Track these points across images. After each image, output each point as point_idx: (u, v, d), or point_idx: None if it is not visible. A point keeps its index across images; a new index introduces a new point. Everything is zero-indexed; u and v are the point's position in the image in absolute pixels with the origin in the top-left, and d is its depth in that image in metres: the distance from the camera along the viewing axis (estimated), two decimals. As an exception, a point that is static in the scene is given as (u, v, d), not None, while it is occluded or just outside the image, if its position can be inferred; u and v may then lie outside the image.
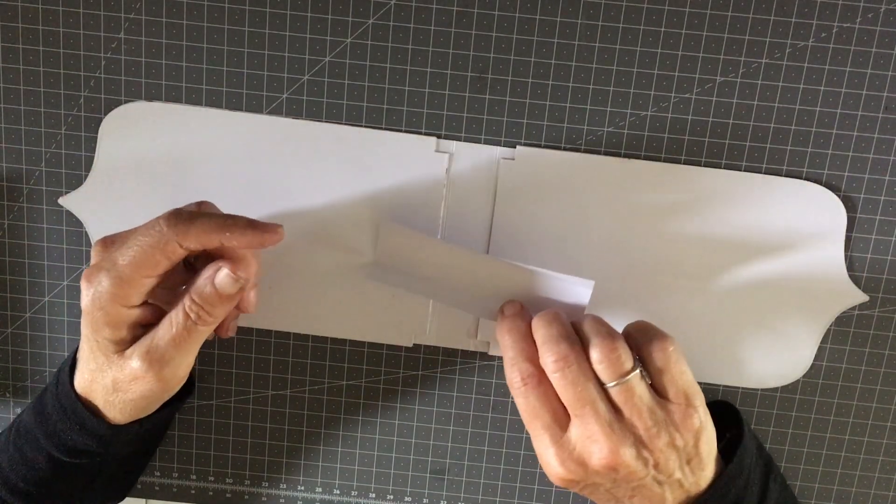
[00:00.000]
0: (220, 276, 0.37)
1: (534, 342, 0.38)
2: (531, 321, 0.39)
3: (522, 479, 0.48)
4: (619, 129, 0.43)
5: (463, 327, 0.45)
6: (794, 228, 0.43)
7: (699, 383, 0.38)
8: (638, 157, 0.43)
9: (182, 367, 0.38)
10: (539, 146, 0.43)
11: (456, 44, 0.42)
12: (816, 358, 0.45)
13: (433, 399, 0.47)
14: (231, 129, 0.43)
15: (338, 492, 0.49)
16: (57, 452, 0.40)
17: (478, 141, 0.43)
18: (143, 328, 0.38)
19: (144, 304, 0.37)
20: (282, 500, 0.49)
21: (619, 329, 0.39)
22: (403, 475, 0.48)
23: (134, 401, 0.38)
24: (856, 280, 0.44)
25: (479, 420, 0.47)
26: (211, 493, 0.49)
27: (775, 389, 0.46)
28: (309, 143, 0.43)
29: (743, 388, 0.46)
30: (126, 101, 0.43)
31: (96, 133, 0.44)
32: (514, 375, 0.38)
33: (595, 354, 0.37)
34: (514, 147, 0.43)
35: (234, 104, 0.43)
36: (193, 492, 0.49)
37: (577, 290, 0.40)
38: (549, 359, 0.37)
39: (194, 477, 0.49)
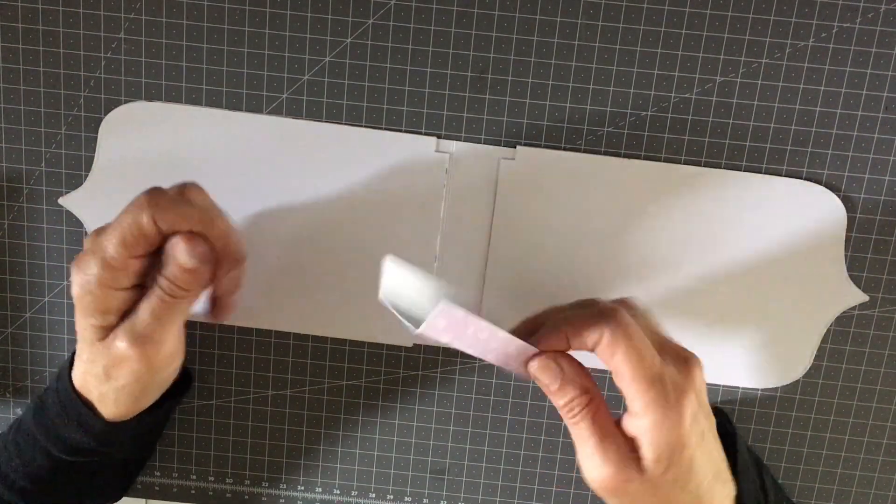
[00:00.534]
0: (178, 249, 0.36)
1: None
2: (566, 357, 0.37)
3: (522, 479, 0.48)
4: (619, 129, 0.43)
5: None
6: (794, 228, 0.43)
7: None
8: (638, 157, 0.43)
9: (166, 344, 0.37)
10: (539, 146, 0.43)
11: (456, 44, 0.42)
12: (816, 358, 0.45)
13: (433, 399, 0.47)
14: (231, 129, 0.43)
15: (338, 492, 0.49)
16: (56, 451, 0.40)
17: (478, 141, 0.43)
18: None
19: (135, 287, 0.37)
20: (282, 500, 0.49)
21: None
22: (403, 475, 0.48)
23: (125, 387, 0.38)
24: (856, 280, 0.44)
25: (479, 420, 0.47)
26: (211, 493, 0.49)
27: (775, 389, 0.46)
28: (309, 143, 0.43)
29: (743, 388, 0.46)
30: (126, 101, 0.43)
31: (96, 133, 0.44)
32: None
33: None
34: (514, 147, 0.43)
35: (234, 104, 0.43)
36: (193, 492, 0.49)
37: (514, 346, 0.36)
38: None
39: (194, 477, 0.49)
